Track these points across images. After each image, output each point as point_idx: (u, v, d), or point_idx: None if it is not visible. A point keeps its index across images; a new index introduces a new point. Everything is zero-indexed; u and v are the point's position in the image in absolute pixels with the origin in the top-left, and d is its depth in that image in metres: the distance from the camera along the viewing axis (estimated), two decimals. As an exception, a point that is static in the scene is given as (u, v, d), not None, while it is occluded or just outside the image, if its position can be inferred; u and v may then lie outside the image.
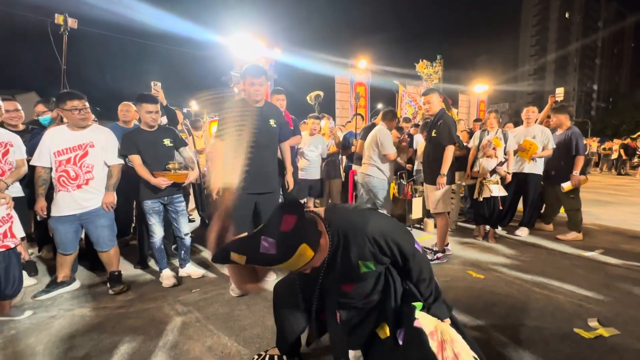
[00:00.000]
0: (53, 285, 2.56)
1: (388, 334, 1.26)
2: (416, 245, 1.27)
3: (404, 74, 10.26)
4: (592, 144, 14.12)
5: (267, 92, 6.39)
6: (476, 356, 1.20)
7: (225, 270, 3.02)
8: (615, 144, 14.46)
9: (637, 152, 13.38)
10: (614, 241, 3.84)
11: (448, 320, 1.31)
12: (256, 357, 1.74)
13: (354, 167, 4.28)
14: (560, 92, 4.92)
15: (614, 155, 13.94)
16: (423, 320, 1.22)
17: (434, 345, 1.16)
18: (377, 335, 1.30)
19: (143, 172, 2.61)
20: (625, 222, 4.71)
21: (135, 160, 2.62)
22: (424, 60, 10.05)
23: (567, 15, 62.71)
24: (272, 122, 2.56)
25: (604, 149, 14.58)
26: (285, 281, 1.60)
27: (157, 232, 2.74)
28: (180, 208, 2.83)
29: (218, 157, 2.33)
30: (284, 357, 1.68)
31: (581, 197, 4.08)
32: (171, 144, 2.77)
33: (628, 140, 14.46)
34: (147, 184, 2.63)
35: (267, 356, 1.71)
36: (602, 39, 66.62)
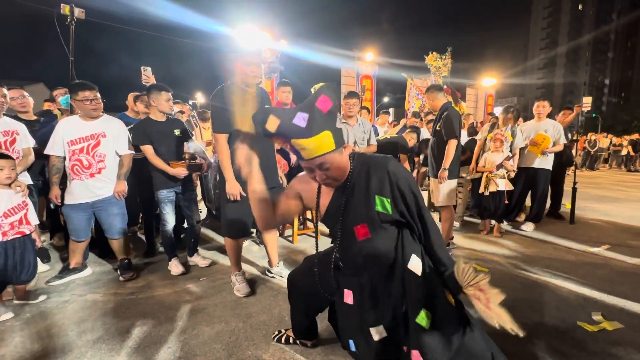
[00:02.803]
0: (65, 271, 2.64)
1: (427, 320, 1.21)
2: None
3: (411, 67, 10.15)
4: (603, 140, 13.87)
5: (272, 84, 6.38)
6: (492, 351, 1.21)
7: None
8: (625, 140, 14.22)
9: None
10: (621, 237, 3.81)
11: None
12: (277, 332, 1.85)
13: None
14: (587, 101, 4.76)
15: (624, 152, 13.73)
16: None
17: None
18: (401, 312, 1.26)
19: (158, 162, 2.64)
20: (634, 219, 4.66)
21: (148, 150, 2.65)
22: (434, 53, 9.88)
23: (580, 7, 61.11)
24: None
25: (614, 145, 14.34)
26: (303, 270, 1.60)
27: (170, 221, 2.80)
28: (193, 196, 2.94)
29: (225, 153, 2.23)
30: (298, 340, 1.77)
31: (590, 192, 4.05)
32: (181, 135, 2.82)
33: (637, 136, 14.19)
34: (163, 174, 2.68)
35: (285, 335, 1.82)
36: (615, 31, 64.89)
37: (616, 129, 29.30)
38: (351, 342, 1.40)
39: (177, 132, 2.78)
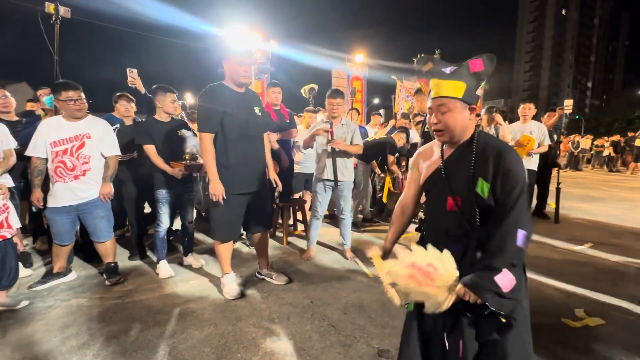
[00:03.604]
0: (49, 276, 2.56)
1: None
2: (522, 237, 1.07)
3: (400, 69, 10.24)
4: (585, 142, 14.28)
5: (263, 85, 6.36)
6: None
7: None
8: (606, 141, 14.66)
9: (623, 146, 13.52)
10: (603, 235, 3.93)
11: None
12: None
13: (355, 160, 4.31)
14: (569, 104, 4.88)
15: (606, 152, 14.15)
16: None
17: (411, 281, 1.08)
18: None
19: (159, 161, 2.67)
20: (616, 217, 4.81)
21: (150, 150, 2.68)
22: (422, 55, 10.01)
23: (563, 12, 62.86)
24: (257, 110, 2.36)
25: (596, 145, 14.77)
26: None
27: (165, 222, 2.79)
28: (191, 197, 2.98)
29: (210, 152, 2.20)
30: None
31: (573, 192, 4.18)
32: (184, 135, 2.83)
33: (618, 137, 14.66)
34: (164, 174, 2.69)
35: None
36: (597, 36, 66.98)
37: (599, 130, 30.13)
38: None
39: (180, 132, 2.80)
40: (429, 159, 1.34)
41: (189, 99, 18.25)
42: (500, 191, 1.13)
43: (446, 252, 1.11)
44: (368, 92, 9.75)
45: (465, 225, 1.19)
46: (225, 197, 2.24)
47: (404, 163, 4.72)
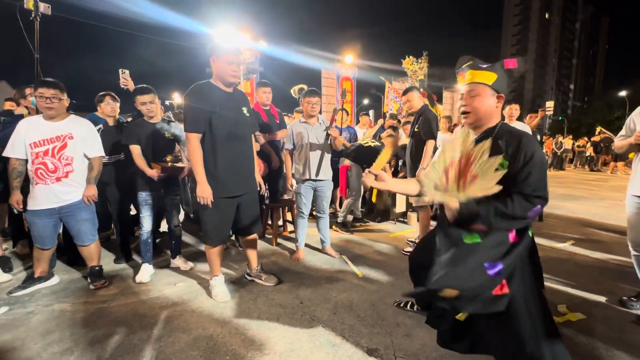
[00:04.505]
0: (30, 280, 2.48)
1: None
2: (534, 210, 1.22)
3: (389, 70, 10.34)
4: (567, 142, 14.70)
5: (252, 85, 6.31)
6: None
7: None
8: (587, 141, 15.12)
9: (601, 144, 13.94)
10: (584, 233, 4.05)
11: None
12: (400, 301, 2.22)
13: (347, 162, 4.32)
14: (550, 105, 5.04)
15: (587, 152, 14.59)
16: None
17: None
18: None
19: (140, 162, 2.63)
20: (596, 215, 4.97)
21: (135, 150, 2.64)
22: (410, 57, 10.15)
23: (547, 16, 64.60)
24: (245, 110, 2.33)
25: (578, 146, 15.21)
26: (419, 249, 1.72)
27: (147, 225, 2.74)
28: (176, 200, 2.90)
29: (197, 154, 2.13)
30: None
31: (557, 191, 4.30)
32: (172, 137, 2.80)
33: (598, 138, 15.14)
34: (144, 176, 2.65)
35: (410, 303, 2.15)
36: (579, 40, 69.08)
37: (581, 131, 31.08)
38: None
39: (168, 134, 2.76)
40: None
41: (177, 98, 17.99)
42: (521, 169, 1.22)
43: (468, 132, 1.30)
44: (358, 93, 9.80)
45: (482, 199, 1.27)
46: (214, 201, 2.20)
47: (393, 162, 4.77)
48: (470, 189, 1.22)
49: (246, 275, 2.68)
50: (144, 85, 2.72)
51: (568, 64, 68.53)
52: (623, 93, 29.75)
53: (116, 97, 3.19)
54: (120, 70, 3.26)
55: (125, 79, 3.23)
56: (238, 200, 2.35)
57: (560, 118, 29.89)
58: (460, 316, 1.40)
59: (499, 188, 1.17)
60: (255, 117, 2.69)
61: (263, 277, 2.60)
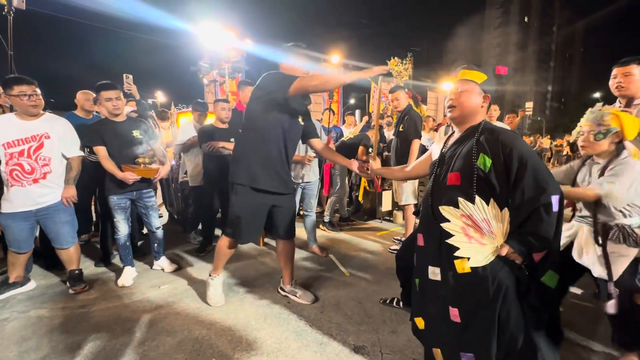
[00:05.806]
0: (4, 286, 2.38)
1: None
2: (553, 198, 1.21)
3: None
4: (545, 141, 15.26)
5: (237, 84, 6.24)
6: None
7: (197, 265, 2.96)
8: (565, 141, 15.74)
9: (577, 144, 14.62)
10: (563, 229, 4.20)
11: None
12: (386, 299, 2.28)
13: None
14: (529, 106, 5.23)
15: (565, 152, 15.18)
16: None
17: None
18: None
19: (109, 165, 2.47)
20: (572, 212, 5.16)
21: (100, 152, 2.47)
22: (395, 58, 10.30)
23: (526, 19, 66.70)
24: (300, 119, 2.25)
25: (556, 145, 15.82)
26: (405, 248, 1.81)
27: (122, 229, 2.63)
28: (150, 203, 2.74)
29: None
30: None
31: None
32: (141, 136, 2.63)
33: (570, 138, 15.80)
34: (114, 179, 2.49)
35: (395, 299, 2.22)
36: (555, 43, 71.65)
37: (559, 131, 32.28)
38: (417, 281, 1.49)
39: (136, 133, 2.60)
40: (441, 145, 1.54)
41: (160, 97, 17.59)
42: (508, 166, 1.23)
43: (505, 210, 1.24)
44: (344, 93, 9.85)
45: (462, 197, 1.29)
46: (248, 194, 2.07)
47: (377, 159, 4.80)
48: (497, 232, 1.25)
49: (279, 290, 2.44)
50: (108, 81, 2.55)
51: (546, 67, 70.96)
52: (598, 94, 31.08)
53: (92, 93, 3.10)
54: (124, 75, 3.24)
55: (129, 84, 3.19)
56: (273, 199, 2.17)
57: (538, 119, 30.95)
58: None
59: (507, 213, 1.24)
60: (240, 117, 2.66)
61: (298, 293, 2.34)
